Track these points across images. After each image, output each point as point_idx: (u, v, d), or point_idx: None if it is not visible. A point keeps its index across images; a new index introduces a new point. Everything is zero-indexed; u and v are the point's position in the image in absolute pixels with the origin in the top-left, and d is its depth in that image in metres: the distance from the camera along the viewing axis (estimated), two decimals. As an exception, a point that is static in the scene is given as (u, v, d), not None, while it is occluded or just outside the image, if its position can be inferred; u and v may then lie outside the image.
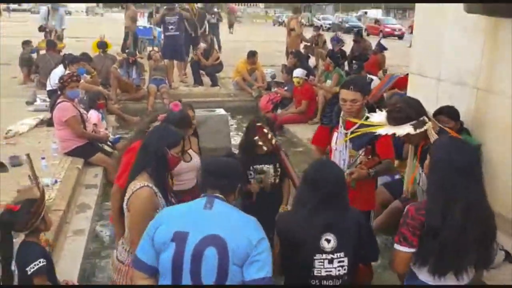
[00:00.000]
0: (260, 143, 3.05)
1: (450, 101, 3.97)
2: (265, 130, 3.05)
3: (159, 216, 2.07)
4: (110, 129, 6.73)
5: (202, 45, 10.51)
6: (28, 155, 3.04)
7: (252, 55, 9.59)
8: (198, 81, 10.14)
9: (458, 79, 4.13)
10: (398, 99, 3.12)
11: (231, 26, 25.95)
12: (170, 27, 9.89)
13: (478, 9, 3.17)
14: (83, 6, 68.31)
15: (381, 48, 10.50)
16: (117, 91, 8.61)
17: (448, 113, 3.72)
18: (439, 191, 2.06)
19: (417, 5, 4.92)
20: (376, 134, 2.84)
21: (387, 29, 29.74)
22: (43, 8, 10.92)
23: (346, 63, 9.87)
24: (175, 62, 10.27)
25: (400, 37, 28.57)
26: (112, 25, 28.54)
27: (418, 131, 2.70)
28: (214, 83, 10.15)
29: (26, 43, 9.92)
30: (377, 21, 32.81)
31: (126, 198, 2.41)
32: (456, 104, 3.89)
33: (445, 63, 4.32)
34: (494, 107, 3.75)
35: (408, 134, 2.70)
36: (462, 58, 4.08)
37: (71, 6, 66.79)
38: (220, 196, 2.04)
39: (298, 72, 7.59)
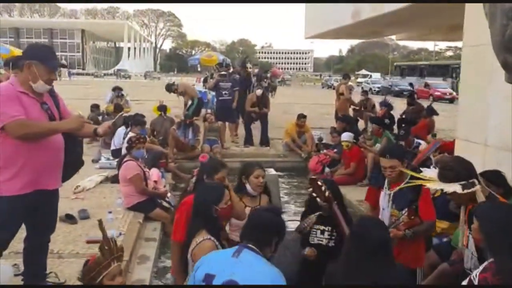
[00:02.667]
0: (314, 194, 3.23)
1: (497, 167, 4.06)
2: (319, 183, 3.20)
3: (202, 259, 2.37)
4: (167, 186, 7.14)
5: (258, 91, 10.95)
6: (100, 221, 3.21)
7: (301, 117, 10.00)
8: (249, 141, 10.59)
9: (504, 144, 4.24)
10: (451, 158, 3.27)
11: (273, 90, 26.64)
12: (223, 92, 10.71)
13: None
14: (142, 70, 72.68)
15: (430, 112, 10.61)
16: (174, 150, 9.14)
17: (489, 177, 3.78)
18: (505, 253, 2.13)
19: (462, 70, 5.13)
20: (418, 195, 2.99)
21: (437, 93, 29.68)
22: (110, 93, 12.07)
23: (395, 126, 10.02)
24: (227, 124, 10.90)
25: (451, 101, 28.35)
26: (168, 88, 30.08)
27: (465, 191, 2.80)
28: (265, 142, 10.58)
29: (95, 106, 10.80)
30: (427, 84, 32.85)
31: (190, 249, 2.70)
32: (504, 169, 3.97)
33: (491, 129, 4.45)
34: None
35: (454, 193, 2.80)
36: (508, 125, 4.21)
37: (131, 71, 71.52)
38: (252, 246, 2.26)
39: (346, 136, 7.83)
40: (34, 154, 2.97)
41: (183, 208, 3.28)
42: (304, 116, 10.03)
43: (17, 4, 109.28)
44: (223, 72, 11.30)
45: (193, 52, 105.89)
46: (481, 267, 2.33)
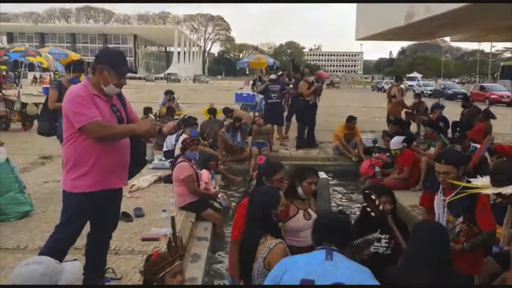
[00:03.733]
0: (369, 209, 3.19)
1: None
2: (373, 197, 3.18)
3: (282, 264, 2.34)
4: (217, 187, 7.24)
5: (310, 78, 10.86)
6: (173, 218, 3.25)
7: (351, 119, 9.87)
8: (301, 145, 10.59)
9: None
10: (501, 162, 3.16)
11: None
12: (272, 95, 10.77)
13: None
14: (191, 74, 74.41)
15: (487, 115, 10.18)
16: (223, 153, 9.26)
17: None
18: None
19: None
20: (475, 202, 2.89)
21: (493, 96, 28.49)
22: (162, 97, 12.39)
23: (449, 130, 9.71)
24: (275, 126, 10.92)
25: (510, 104, 27.09)
26: (216, 91, 30.62)
27: None
28: (312, 143, 10.61)
29: (147, 109, 11.11)
30: (482, 87, 31.57)
31: (263, 256, 2.73)
32: None
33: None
34: None
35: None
36: None
37: (181, 74, 73.28)
38: (336, 249, 2.26)
39: (394, 144, 7.57)
40: (103, 154, 3.10)
41: (243, 209, 3.31)
42: (354, 118, 9.89)
43: (73, 11, 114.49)
44: (272, 76, 11.32)
45: (241, 55, 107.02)
46: None
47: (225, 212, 6.02)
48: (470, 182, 3.08)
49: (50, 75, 26.48)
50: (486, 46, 67.52)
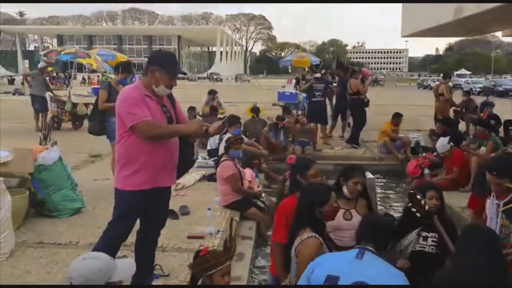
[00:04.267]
0: (414, 209, 3.12)
1: None
2: (418, 197, 3.12)
3: (316, 260, 2.36)
4: (261, 186, 7.25)
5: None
6: (231, 219, 3.30)
7: (397, 116, 9.74)
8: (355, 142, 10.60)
9: None
10: None
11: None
12: (316, 93, 10.71)
13: None
14: (233, 74, 75.12)
15: (543, 113, 9.72)
16: (266, 152, 9.26)
17: None
18: None
19: None
20: None
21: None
22: (205, 96, 12.52)
23: (501, 129, 9.32)
24: (319, 125, 10.83)
25: None
26: (258, 90, 30.72)
27: None
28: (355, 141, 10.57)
29: (191, 109, 11.27)
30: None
31: (294, 246, 2.72)
32: None
33: None
34: None
35: None
36: None
37: (223, 74, 74.02)
38: (372, 249, 2.24)
39: (441, 148, 7.34)
40: (154, 153, 3.18)
41: (283, 210, 3.31)
42: (401, 115, 9.71)
43: (120, 13, 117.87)
44: (317, 74, 11.27)
45: (283, 54, 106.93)
46: None
47: (268, 211, 6.03)
48: None
49: (98, 76, 27.41)
50: (541, 41, 64.34)
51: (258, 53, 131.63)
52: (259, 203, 6.02)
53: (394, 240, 2.55)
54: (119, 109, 3.17)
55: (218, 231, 4.89)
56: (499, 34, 18.19)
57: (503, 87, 32.69)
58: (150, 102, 3.18)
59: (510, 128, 8.88)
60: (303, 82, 13.18)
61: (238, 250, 4.91)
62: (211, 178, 7.03)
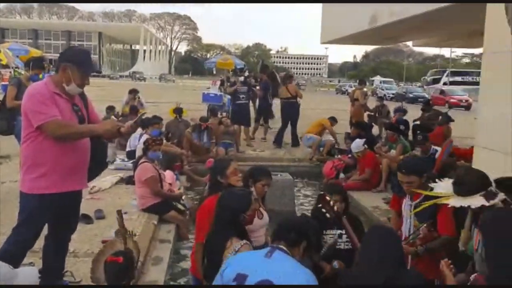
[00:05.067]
0: (324, 210, 3.24)
1: (518, 175, 3.99)
2: (328, 198, 3.23)
3: (229, 259, 2.40)
4: (182, 189, 7.16)
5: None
6: (119, 212, 3.40)
7: (333, 119, 10.62)
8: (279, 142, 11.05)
9: (526, 153, 4.17)
10: (464, 169, 3.21)
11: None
12: (241, 96, 10.91)
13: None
14: (157, 73, 73.63)
15: (447, 119, 10.49)
16: (188, 153, 9.18)
17: (506, 185, 3.69)
18: (494, 263, 2.13)
19: (483, 77, 5.07)
20: (438, 208, 2.95)
21: (452, 100, 29.40)
22: (126, 95, 12.16)
23: (410, 133, 9.97)
24: (242, 127, 10.95)
25: (467, 108, 28.06)
26: (182, 91, 30.37)
27: (491, 202, 2.73)
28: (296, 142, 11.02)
29: (109, 108, 10.89)
30: (442, 91, 32.59)
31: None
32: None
33: (512, 138, 4.37)
34: None
35: (482, 206, 2.76)
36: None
37: (146, 73, 72.30)
38: (283, 247, 2.29)
39: (355, 147, 7.72)
40: (63, 155, 3.02)
41: (205, 211, 3.28)
42: (336, 121, 10.55)
43: (35, 6, 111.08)
44: (241, 78, 11.47)
45: (208, 55, 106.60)
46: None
47: (189, 214, 5.97)
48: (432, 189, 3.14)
49: (10, 72, 25.60)
50: (446, 52, 69.56)
51: (183, 53, 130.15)
52: (179, 205, 5.94)
53: (309, 241, 2.58)
54: (25, 107, 2.97)
55: (134, 235, 4.74)
56: (410, 43, 19.39)
57: (413, 94, 34.90)
58: (60, 101, 3.01)
59: (418, 132, 9.52)
60: (228, 84, 13.25)
61: (156, 254, 4.82)
62: (129, 181, 6.83)
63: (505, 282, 2.07)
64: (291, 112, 11.19)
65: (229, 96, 12.29)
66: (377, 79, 54.59)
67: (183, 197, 6.21)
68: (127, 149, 8.46)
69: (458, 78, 42.68)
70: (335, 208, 3.20)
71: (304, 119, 12.35)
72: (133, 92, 12.12)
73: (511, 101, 4.36)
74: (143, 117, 6.56)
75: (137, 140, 7.96)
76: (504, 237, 2.13)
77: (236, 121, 10.63)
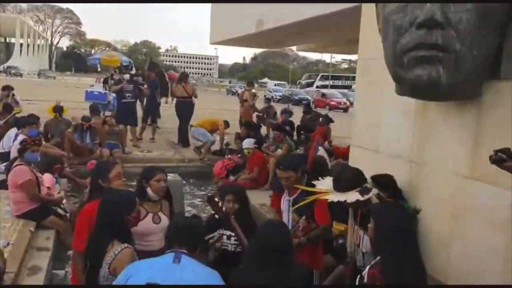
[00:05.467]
0: (213, 212, 3.29)
1: (387, 172, 4.38)
2: (216, 199, 3.29)
3: (128, 269, 2.27)
4: (62, 192, 6.73)
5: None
6: None
7: (227, 124, 10.60)
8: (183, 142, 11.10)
9: (393, 151, 4.60)
10: (342, 167, 3.49)
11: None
12: (127, 94, 10.46)
13: (408, 92, 3.66)
14: (35, 69, 68.16)
15: (327, 120, 11.18)
16: (70, 155, 8.66)
17: (379, 181, 4.07)
18: (390, 251, 2.33)
19: (357, 81, 5.49)
20: (314, 200, 3.17)
21: (332, 102, 31.43)
22: None
23: (295, 133, 10.47)
24: (128, 127, 10.58)
25: (346, 110, 30.19)
26: (64, 88, 28.54)
27: (365, 197, 3.00)
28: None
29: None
30: (323, 94, 34.69)
31: (107, 262, 2.58)
32: (393, 175, 4.31)
33: (382, 138, 4.80)
34: (425, 179, 4.19)
35: (357, 201, 3.01)
36: (397, 134, 4.57)
37: (23, 69, 66.54)
38: (186, 252, 2.27)
39: (246, 143, 7.96)
40: None
41: (84, 216, 3.12)
42: (228, 125, 10.53)
43: None
44: (126, 76, 11.03)
45: (93, 51, 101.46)
46: (372, 263, 2.52)
47: (69, 219, 5.62)
48: (314, 185, 3.35)
49: None
50: (327, 57, 74.29)
51: (65, 49, 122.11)
52: (59, 210, 5.59)
53: (202, 240, 2.61)
54: None
55: (8, 244, 4.37)
56: (295, 48, 20.34)
57: (298, 96, 36.70)
58: None
59: (302, 132, 10.05)
60: (111, 82, 12.73)
61: (33, 263, 4.48)
62: (1, 185, 6.24)
63: (396, 271, 2.26)
64: (185, 111, 11.19)
65: (114, 95, 11.81)
66: (271, 82, 56.61)
67: (64, 201, 5.84)
68: (0, 150, 7.73)
69: (330, 82, 48.58)
70: (223, 208, 3.25)
71: (196, 119, 12.37)
72: (7, 88, 11.08)
73: (381, 105, 4.78)
74: (18, 115, 6.05)
75: (11, 141, 7.33)
76: (391, 225, 2.35)
77: (122, 120, 10.24)
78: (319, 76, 51.32)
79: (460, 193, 3.73)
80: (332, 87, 45.44)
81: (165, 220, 3.45)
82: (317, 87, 44.90)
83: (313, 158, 6.93)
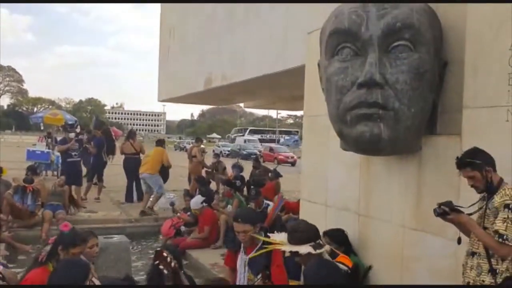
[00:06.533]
0: (161, 267, 3.21)
1: (336, 225, 4.47)
2: (165, 254, 3.23)
3: None
4: (0, 258, 6.30)
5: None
6: None
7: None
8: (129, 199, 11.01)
9: (341, 205, 4.71)
10: (300, 222, 3.52)
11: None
12: (73, 153, 10.39)
13: (352, 148, 3.82)
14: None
15: (276, 174, 11.30)
16: (8, 218, 8.19)
17: (331, 236, 4.16)
18: None
19: (304, 137, 5.66)
20: (271, 260, 3.16)
21: (280, 157, 31.95)
22: None
23: (245, 188, 10.47)
24: (73, 187, 10.23)
25: (293, 164, 30.70)
26: (4, 147, 27.36)
27: (318, 251, 3.05)
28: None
29: None
30: (271, 149, 35.28)
31: None
32: (342, 228, 4.40)
33: (330, 191, 4.92)
34: (373, 231, 4.30)
35: (309, 254, 3.04)
36: (344, 187, 4.71)
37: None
38: None
39: (194, 204, 7.85)
40: None
41: (28, 284, 2.92)
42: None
43: None
44: (71, 134, 10.89)
45: (35, 109, 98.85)
46: None
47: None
48: (269, 237, 3.36)
49: None
50: (273, 113, 76.37)
51: (6, 107, 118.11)
52: (-5, 278, 5.18)
53: None
54: None
55: None
56: (242, 105, 20.80)
57: (246, 151, 37.19)
58: None
59: (252, 187, 10.05)
60: (49, 140, 12.46)
61: None
62: None
63: None
64: (133, 167, 11.05)
65: (58, 154, 11.50)
66: (242, 137, 56.53)
67: (1, 268, 5.45)
68: None
69: (258, 136, 52.45)
70: (173, 264, 3.19)
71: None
72: None
73: (328, 160, 4.94)
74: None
75: None
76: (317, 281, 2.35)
77: (68, 180, 9.88)
78: (248, 130, 54.19)
79: (407, 244, 3.85)
80: (261, 140, 48.50)
81: (97, 283, 3.33)
82: (245, 141, 47.52)
83: (272, 217, 6.98)
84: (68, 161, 10.45)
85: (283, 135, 54.75)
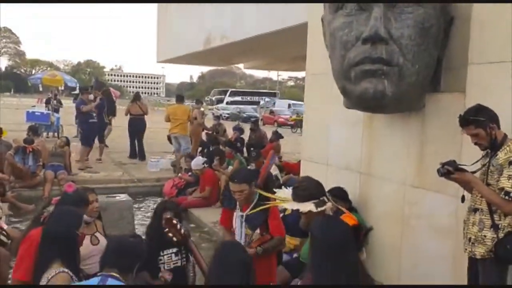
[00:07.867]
0: (170, 234, 3.17)
1: (337, 184, 4.48)
2: (174, 221, 3.16)
3: None
4: (4, 218, 6.37)
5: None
6: None
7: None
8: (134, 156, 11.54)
9: (342, 164, 4.71)
10: (304, 179, 3.49)
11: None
12: (94, 114, 10.49)
13: (356, 105, 3.78)
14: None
15: (277, 136, 11.31)
16: (11, 178, 8.24)
17: (336, 194, 4.17)
18: (320, 266, 2.32)
19: (306, 96, 5.60)
20: (268, 213, 3.17)
21: (281, 119, 31.88)
22: None
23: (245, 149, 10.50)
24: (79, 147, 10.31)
25: (293, 126, 30.65)
26: (3, 109, 27.28)
27: (319, 209, 3.02)
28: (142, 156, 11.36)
29: None
30: (272, 111, 35.14)
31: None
32: (343, 186, 4.41)
33: (331, 150, 4.91)
34: (374, 189, 4.32)
35: (310, 211, 3.03)
36: (346, 146, 4.69)
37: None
38: (116, 275, 2.18)
39: (194, 165, 7.88)
40: None
41: (29, 242, 2.93)
42: None
43: None
44: (91, 97, 10.80)
45: (33, 71, 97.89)
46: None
47: (9, 247, 5.29)
48: (267, 201, 3.34)
49: None
50: (274, 75, 75.54)
51: (3, 69, 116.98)
52: (1, 237, 5.25)
53: (140, 259, 2.48)
54: None
55: None
56: (242, 66, 20.58)
57: (246, 113, 36.98)
58: None
59: (252, 149, 10.07)
60: (54, 102, 12.35)
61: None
62: None
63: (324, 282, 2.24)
64: (140, 127, 11.65)
65: (57, 115, 11.45)
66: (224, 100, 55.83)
67: (5, 227, 5.51)
68: None
69: (238, 98, 48.93)
70: (182, 231, 3.16)
71: (147, 138, 12.29)
72: None
73: (330, 119, 4.91)
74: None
75: None
76: (327, 241, 2.33)
77: (90, 141, 10.34)
78: (229, 92, 51.80)
79: (408, 202, 3.87)
80: (243, 103, 45.75)
81: (103, 241, 3.35)
82: (227, 103, 45.52)
83: (264, 174, 6.96)
84: (90, 122, 10.47)
85: (264, 97, 51.56)
